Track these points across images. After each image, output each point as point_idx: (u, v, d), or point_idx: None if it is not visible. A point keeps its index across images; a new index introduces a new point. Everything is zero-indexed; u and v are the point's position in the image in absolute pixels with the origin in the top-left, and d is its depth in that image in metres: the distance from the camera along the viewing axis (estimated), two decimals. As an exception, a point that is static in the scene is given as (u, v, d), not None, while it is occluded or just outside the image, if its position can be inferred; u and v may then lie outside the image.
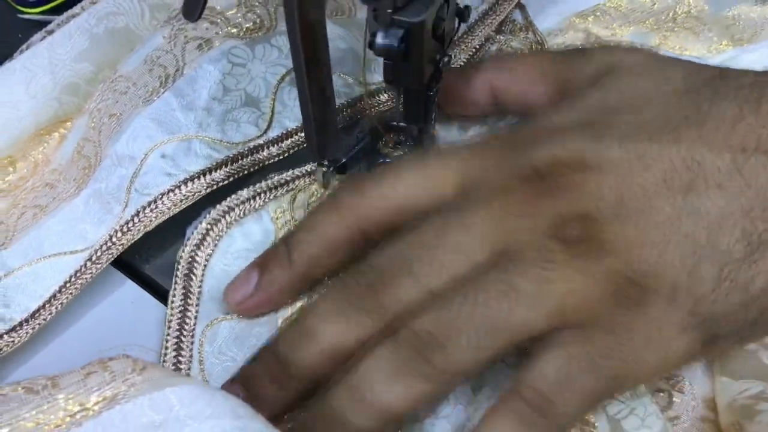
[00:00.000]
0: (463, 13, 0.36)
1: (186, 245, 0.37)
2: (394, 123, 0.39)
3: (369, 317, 0.31)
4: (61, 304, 0.36)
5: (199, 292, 0.36)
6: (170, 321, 0.35)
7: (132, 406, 0.27)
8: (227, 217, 0.37)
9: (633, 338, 0.29)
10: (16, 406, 0.28)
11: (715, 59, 0.41)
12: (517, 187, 0.31)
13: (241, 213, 0.37)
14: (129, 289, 0.38)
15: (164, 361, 0.34)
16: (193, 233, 0.37)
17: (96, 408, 0.27)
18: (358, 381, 0.30)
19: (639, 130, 0.31)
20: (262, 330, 0.35)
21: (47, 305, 0.36)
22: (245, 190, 0.38)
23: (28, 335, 0.35)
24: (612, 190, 0.30)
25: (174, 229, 0.38)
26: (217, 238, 0.37)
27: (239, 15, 0.41)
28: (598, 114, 0.32)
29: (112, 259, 0.36)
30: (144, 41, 0.42)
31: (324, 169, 0.37)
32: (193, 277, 0.36)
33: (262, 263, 0.35)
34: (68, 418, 0.27)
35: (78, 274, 0.36)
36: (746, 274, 0.29)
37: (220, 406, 0.27)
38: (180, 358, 0.34)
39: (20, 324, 0.35)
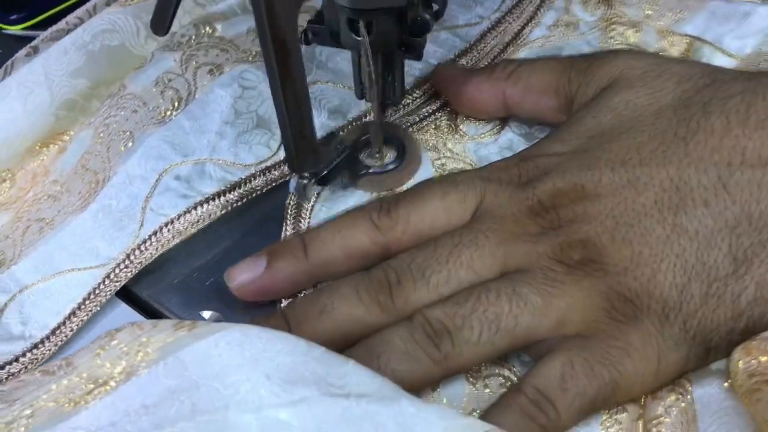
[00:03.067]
0: None
1: (291, 195, 0.39)
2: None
3: (381, 309, 0.33)
4: (81, 321, 0.36)
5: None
6: None
7: (147, 376, 0.28)
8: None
9: (629, 350, 0.31)
10: (34, 388, 0.29)
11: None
12: (525, 217, 0.34)
13: None
14: (123, 312, 0.39)
15: None
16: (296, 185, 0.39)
17: (113, 383, 0.28)
18: (373, 351, 0.32)
19: (630, 155, 0.34)
20: None
21: (67, 322, 0.36)
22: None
23: (51, 352, 0.36)
24: (608, 216, 0.33)
25: (168, 253, 0.39)
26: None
27: (249, 41, 0.42)
28: (593, 140, 0.35)
29: (130, 277, 0.37)
30: (153, 59, 0.43)
31: (304, 181, 0.38)
32: (301, 220, 0.39)
33: (273, 252, 0.36)
34: (87, 396, 0.28)
35: (96, 292, 0.37)
36: (734, 289, 0.31)
37: (229, 359, 0.28)
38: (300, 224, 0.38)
39: (42, 341, 0.36)
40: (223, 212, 0.38)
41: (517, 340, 0.32)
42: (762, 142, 0.31)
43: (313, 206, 0.39)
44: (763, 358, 0.29)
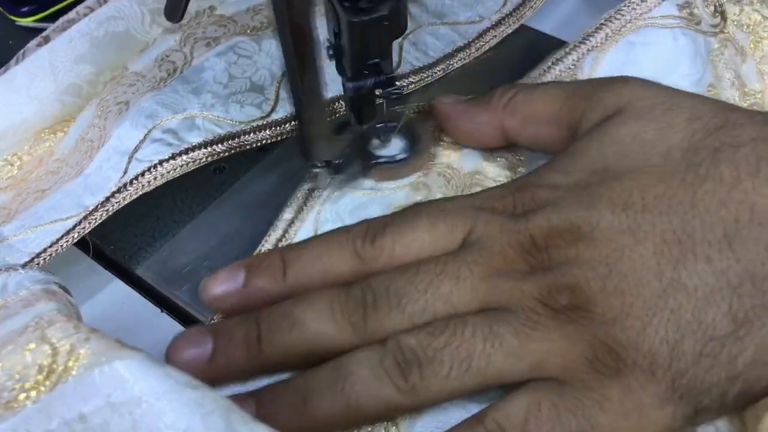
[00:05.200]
0: None
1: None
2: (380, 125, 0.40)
3: (353, 330, 0.32)
4: (50, 256, 0.36)
5: None
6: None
7: (79, 381, 0.27)
8: None
9: (604, 404, 0.29)
10: None
11: None
12: (514, 252, 0.32)
13: None
14: (120, 290, 0.39)
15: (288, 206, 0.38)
16: None
17: (47, 384, 0.27)
18: (341, 371, 0.31)
19: (633, 198, 0.31)
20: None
21: (35, 258, 0.36)
22: None
23: None
24: (602, 263, 0.30)
25: (164, 230, 0.40)
26: None
27: (248, 18, 0.43)
28: (595, 175, 0.33)
29: (108, 215, 0.36)
30: (155, 43, 0.44)
31: (317, 170, 0.38)
32: (309, 201, 0.39)
33: (251, 268, 0.35)
34: (22, 395, 0.27)
35: (71, 231, 0.36)
36: (731, 350, 0.29)
37: (170, 380, 0.27)
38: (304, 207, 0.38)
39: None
40: (208, 160, 0.38)
41: (487, 380, 0.30)
42: None
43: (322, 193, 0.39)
44: None
